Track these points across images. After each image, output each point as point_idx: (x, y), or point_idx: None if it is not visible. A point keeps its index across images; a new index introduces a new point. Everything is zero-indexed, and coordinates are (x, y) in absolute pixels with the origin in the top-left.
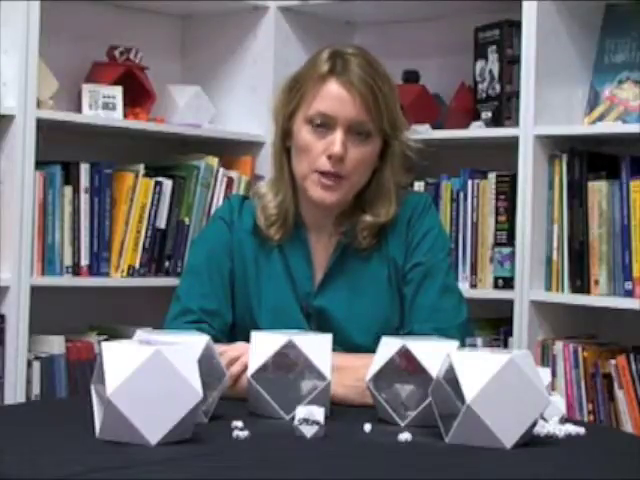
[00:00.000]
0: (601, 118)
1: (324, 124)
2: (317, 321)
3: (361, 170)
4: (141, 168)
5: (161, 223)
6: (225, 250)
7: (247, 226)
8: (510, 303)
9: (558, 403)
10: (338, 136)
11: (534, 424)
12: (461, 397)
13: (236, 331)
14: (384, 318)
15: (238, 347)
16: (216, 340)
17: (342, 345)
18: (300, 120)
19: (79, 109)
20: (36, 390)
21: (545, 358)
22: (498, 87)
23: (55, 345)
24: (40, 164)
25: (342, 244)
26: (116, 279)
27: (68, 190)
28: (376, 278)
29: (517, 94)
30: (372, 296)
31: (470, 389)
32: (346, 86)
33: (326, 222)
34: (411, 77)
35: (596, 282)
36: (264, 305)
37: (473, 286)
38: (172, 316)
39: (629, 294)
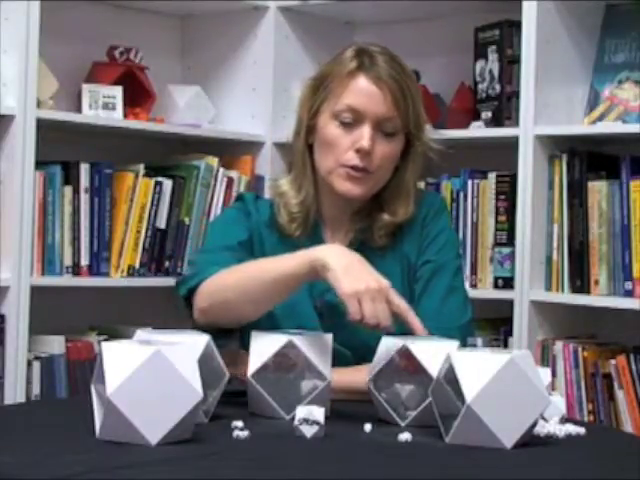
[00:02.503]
0: (601, 118)
1: (352, 119)
2: (329, 317)
3: (386, 166)
4: (141, 168)
5: (161, 223)
6: (242, 226)
7: (265, 218)
8: (510, 303)
9: (558, 403)
10: (366, 130)
11: (534, 424)
12: (461, 397)
13: (250, 324)
14: (395, 315)
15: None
16: None
17: (352, 342)
18: (326, 116)
19: (79, 109)
20: (36, 390)
21: (545, 358)
22: (498, 87)
23: (55, 345)
24: (40, 164)
25: (357, 240)
26: (116, 279)
27: (68, 190)
28: (389, 275)
29: (517, 94)
30: None
31: (470, 389)
32: (376, 82)
33: (343, 218)
34: None
35: (596, 282)
36: None
37: (473, 286)
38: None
39: (629, 294)
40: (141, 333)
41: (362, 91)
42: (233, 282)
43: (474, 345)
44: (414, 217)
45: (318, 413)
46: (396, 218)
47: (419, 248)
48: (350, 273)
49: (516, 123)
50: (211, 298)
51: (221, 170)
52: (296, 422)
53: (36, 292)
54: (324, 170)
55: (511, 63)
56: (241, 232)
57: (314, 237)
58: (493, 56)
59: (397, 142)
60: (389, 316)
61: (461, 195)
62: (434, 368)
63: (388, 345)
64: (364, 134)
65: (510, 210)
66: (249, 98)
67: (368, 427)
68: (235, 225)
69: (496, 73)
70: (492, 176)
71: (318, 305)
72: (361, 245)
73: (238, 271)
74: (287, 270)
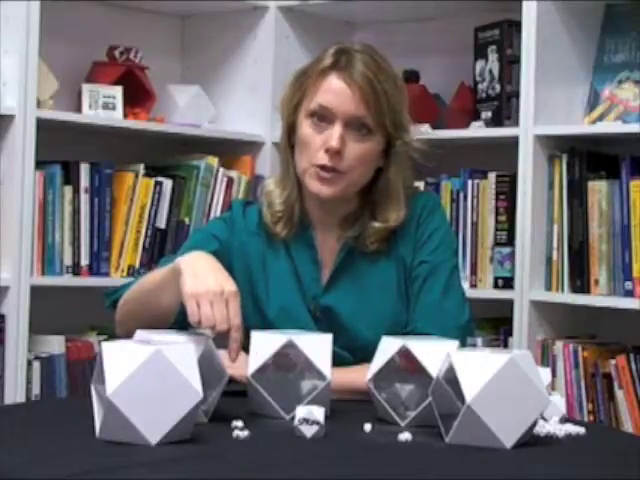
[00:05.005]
0: (601, 118)
1: (324, 118)
2: (325, 321)
3: (360, 167)
4: (141, 168)
5: (161, 223)
6: (212, 240)
7: (252, 226)
8: (510, 303)
9: (558, 403)
10: (336, 130)
11: (534, 424)
12: (461, 397)
13: (248, 327)
14: (392, 317)
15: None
16: None
17: (350, 344)
18: (302, 114)
19: (79, 109)
20: (36, 390)
21: (545, 358)
22: (498, 87)
23: (55, 345)
24: (40, 164)
25: (349, 246)
26: (116, 279)
27: (68, 190)
28: (384, 277)
29: (517, 94)
30: (380, 295)
31: (470, 389)
32: (346, 81)
33: (332, 221)
34: (411, 77)
35: (596, 282)
36: (272, 304)
37: (473, 286)
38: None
39: (629, 294)
40: (141, 333)
41: (332, 90)
42: (133, 294)
43: (474, 345)
44: (408, 219)
45: (318, 413)
46: (388, 224)
47: (414, 249)
48: (196, 276)
49: (516, 123)
50: (120, 311)
51: (221, 170)
52: (296, 422)
53: (36, 292)
54: (299, 170)
55: (511, 63)
56: (206, 246)
57: (304, 242)
58: (493, 56)
59: (372, 142)
60: (225, 320)
61: (461, 195)
62: (434, 368)
63: (388, 345)
64: (333, 134)
65: (510, 210)
66: (249, 98)
67: (368, 427)
68: (205, 238)
69: (496, 73)
70: (492, 176)
71: (312, 309)
72: (353, 250)
73: (141, 280)
74: (162, 276)
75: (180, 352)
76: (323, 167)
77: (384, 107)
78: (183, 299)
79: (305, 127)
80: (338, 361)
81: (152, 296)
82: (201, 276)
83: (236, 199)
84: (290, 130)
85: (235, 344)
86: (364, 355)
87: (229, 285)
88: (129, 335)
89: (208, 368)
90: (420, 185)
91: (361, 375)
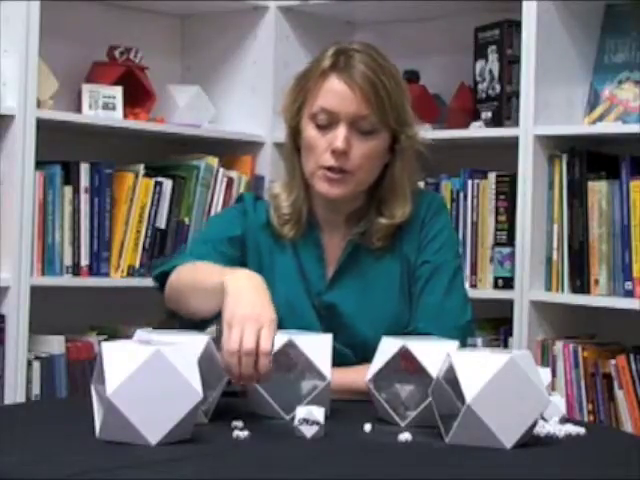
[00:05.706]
0: (601, 118)
1: (327, 120)
2: (328, 317)
3: (366, 165)
4: (141, 168)
5: (161, 223)
6: (237, 224)
7: (261, 220)
8: (510, 303)
9: (558, 403)
10: (341, 131)
11: (534, 424)
12: (461, 397)
13: None
14: (395, 315)
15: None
16: None
17: (351, 341)
18: (305, 117)
19: (79, 109)
20: (36, 390)
21: (545, 358)
22: (498, 87)
23: (55, 345)
24: (40, 164)
25: (354, 242)
26: (116, 279)
27: (68, 190)
28: (388, 275)
29: (517, 94)
30: (383, 293)
31: (470, 389)
32: (347, 81)
33: (338, 220)
34: (411, 77)
35: (596, 282)
36: (278, 299)
37: (473, 286)
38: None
39: (629, 294)
40: (141, 333)
41: (334, 92)
42: (184, 279)
43: (474, 345)
44: (413, 217)
45: (318, 413)
46: (394, 221)
47: (418, 248)
48: (238, 302)
49: (516, 123)
50: (170, 287)
51: (221, 170)
52: (296, 422)
53: (36, 292)
54: (307, 172)
55: (511, 63)
56: (234, 229)
57: (311, 240)
58: (493, 56)
59: (378, 140)
60: (252, 342)
61: (461, 195)
62: (434, 368)
63: (388, 345)
64: (338, 135)
65: (510, 210)
66: (249, 98)
67: (368, 427)
68: (230, 221)
69: (496, 73)
70: (492, 176)
71: (317, 305)
72: (358, 246)
73: (192, 269)
74: (211, 284)
75: (180, 352)
76: (330, 168)
77: (386, 104)
78: (222, 321)
79: (309, 130)
80: (339, 358)
81: (197, 297)
82: (242, 303)
83: (246, 193)
84: (294, 133)
85: (264, 368)
86: (365, 353)
87: (267, 312)
88: (175, 311)
89: (208, 368)
90: (420, 185)
91: (361, 375)
